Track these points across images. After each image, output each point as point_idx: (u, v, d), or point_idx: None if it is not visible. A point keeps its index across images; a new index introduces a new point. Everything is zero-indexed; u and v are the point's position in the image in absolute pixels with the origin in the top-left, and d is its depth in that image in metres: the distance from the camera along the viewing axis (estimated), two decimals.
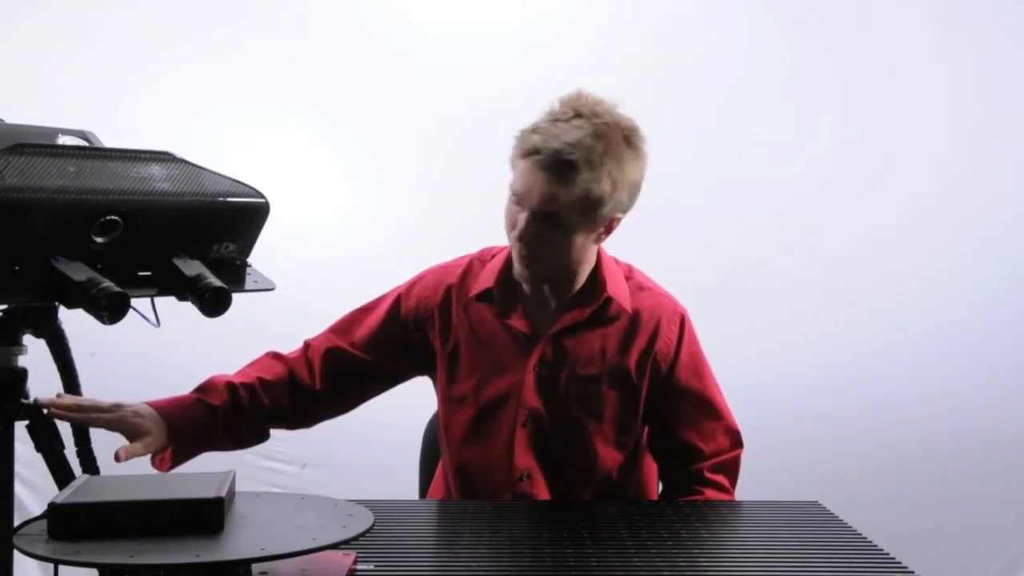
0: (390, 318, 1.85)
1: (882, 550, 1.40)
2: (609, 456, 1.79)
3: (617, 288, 1.78)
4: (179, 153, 1.33)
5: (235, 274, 1.41)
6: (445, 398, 1.84)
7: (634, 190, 1.69)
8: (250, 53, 3.07)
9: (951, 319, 3.10)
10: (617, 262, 1.84)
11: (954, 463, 3.05)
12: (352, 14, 3.11)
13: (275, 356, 1.85)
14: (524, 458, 1.77)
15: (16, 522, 1.25)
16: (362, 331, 1.85)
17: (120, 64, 3.00)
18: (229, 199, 1.37)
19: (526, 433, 1.77)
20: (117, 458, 1.51)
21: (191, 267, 1.29)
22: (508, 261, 1.79)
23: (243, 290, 1.43)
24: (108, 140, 1.40)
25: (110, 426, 1.56)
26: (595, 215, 1.66)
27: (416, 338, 1.84)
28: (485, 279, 1.80)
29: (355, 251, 3.04)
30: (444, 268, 1.87)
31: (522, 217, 1.66)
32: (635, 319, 1.78)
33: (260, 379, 1.79)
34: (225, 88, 3.05)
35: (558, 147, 1.61)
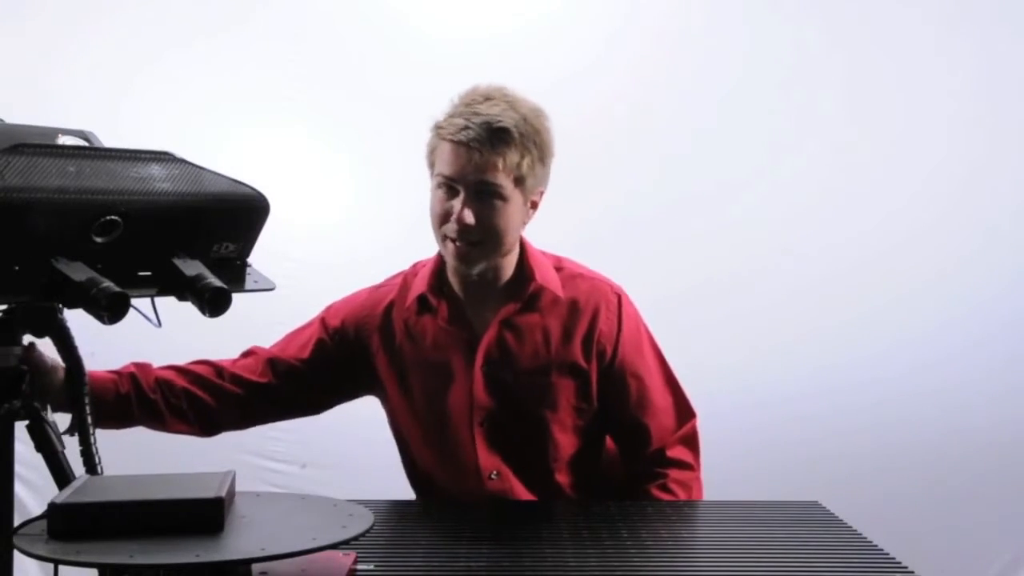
0: (328, 335, 1.86)
1: (882, 550, 1.40)
2: (569, 443, 1.81)
3: (546, 276, 1.80)
4: (179, 153, 1.33)
5: (235, 274, 1.41)
6: (399, 412, 1.85)
7: (550, 164, 1.75)
8: (250, 53, 3.07)
9: (951, 319, 3.10)
10: (544, 254, 1.85)
11: (954, 463, 3.05)
12: (352, 14, 3.11)
13: (205, 361, 1.87)
14: (489, 458, 1.79)
15: (16, 522, 1.25)
16: (302, 345, 1.86)
17: (120, 64, 3.00)
18: (229, 199, 1.37)
19: (484, 432, 1.78)
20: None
21: (191, 267, 1.30)
22: (437, 267, 1.81)
23: (243, 290, 1.43)
24: (108, 140, 1.40)
25: None
26: (525, 184, 1.70)
27: (356, 356, 1.84)
28: (417, 287, 1.81)
29: (355, 251, 3.04)
30: (379, 287, 1.89)
31: (457, 201, 1.68)
32: (573, 306, 1.80)
33: (184, 369, 1.83)
34: (225, 88, 3.05)
35: (486, 119, 1.67)
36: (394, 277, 1.89)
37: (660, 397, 1.84)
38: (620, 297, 1.83)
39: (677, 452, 1.83)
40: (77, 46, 3.02)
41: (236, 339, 2.67)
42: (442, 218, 1.71)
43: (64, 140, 1.34)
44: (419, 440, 1.85)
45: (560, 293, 1.80)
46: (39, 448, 1.43)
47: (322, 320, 1.88)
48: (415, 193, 3.04)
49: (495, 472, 1.79)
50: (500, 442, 1.79)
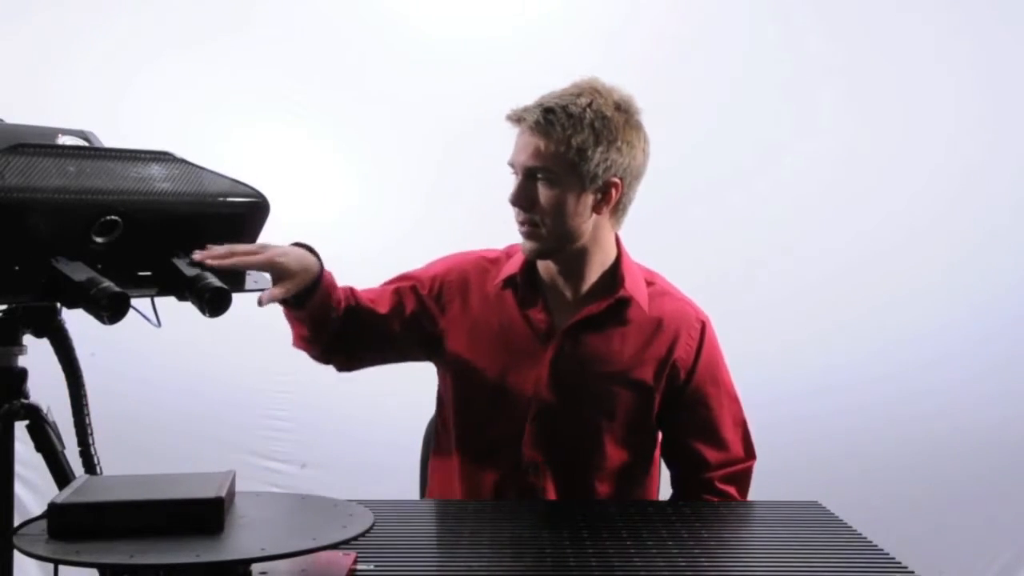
0: (417, 287, 1.84)
1: (882, 550, 1.40)
2: (617, 456, 1.79)
3: (635, 288, 1.79)
4: (179, 153, 1.34)
5: (235, 274, 1.41)
6: (458, 385, 1.83)
7: (628, 152, 1.71)
8: (250, 53, 3.07)
9: (950, 319, 3.10)
10: (639, 266, 1.85)
11: (954, 463, 3.05)
12: (352, 15, 3.12)
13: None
14: (532, 451, 1.78)
15: (16, 522, 1.25)
16: (380, 293, 1.84)
17: (120, 64, 3.01)
18: (229, 199, 1.37)
19: (536, 426, 1.77)
20: (260, 303, 1.48)
21: (191, 267, 1.30)
22: None
23: (243, 290, 1.43)
24: (108, 140, 1.40)
25: (261, 267, 1.48)
26: (581, 169, 1.68)
27: (433, 315, 1.83)
28: (511, 267, 1.82)
29: (355, 251, 3.02)
30: (472, 254, 1.89)
31: (515, 183, 1.71)
32: (656, 323, 1.79)
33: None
34: (225, 88, 3.05)
35: (541, 103, 1.69)
36: (490, 250, 1.89)
37: (726, 430, 1.82)
38: (704, 325, 1.82)
39: (727, 486, 1.81)
40: (77, 46, 3.02)
41: (236, 339, 2.68)
42: (510, 204, 1.74)
43: (64, 140, 1.34)
44: (467, 416, 1.83)
45: (646, 307, 1.79)
46: (39, 448, 1.43)
47: (410, 275, 1.86)
48: (415, 193, 3.08)
49: (534, 466, 1.78)
50: (548, 438, 1.78)
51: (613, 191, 1.72)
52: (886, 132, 3.13)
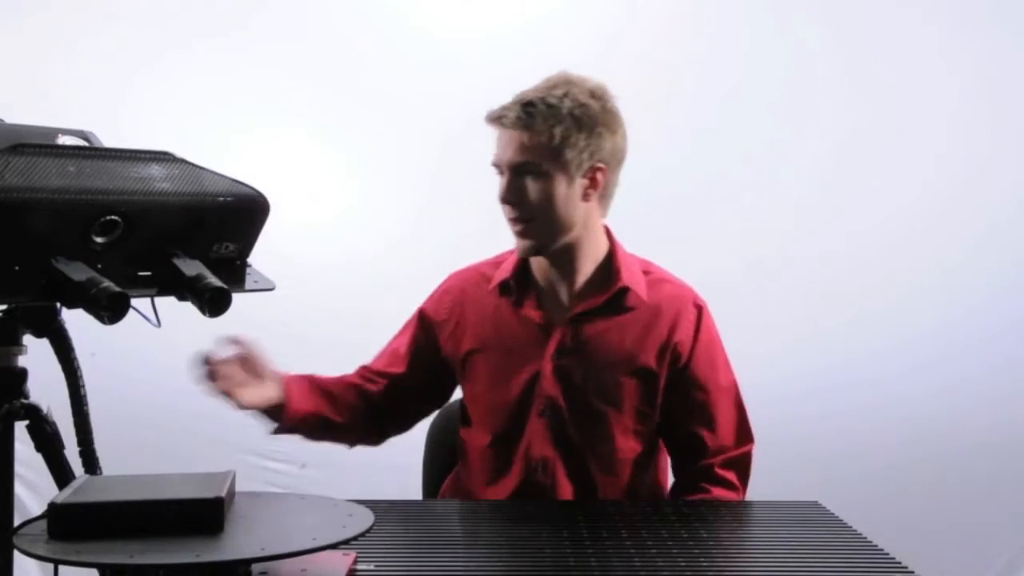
0: (421, 331, 1.90)
1: (882, 550, 1.40)
2: (628, 446, 1.80)
3: (633, 278, 1.80)
4: (179, 153, 1.33)
5: (235, 274, 1.41)
6: (467, 394, 1.88)
7: (609, 137, 1.73)
8: (250, 53, 3.07)
9: (950, 319, 3.10)
10: (633, 256, 1.86)
11: (954, 463, 3.05)
12: (352, 14, 3.12)
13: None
14: (541, 447, 1.79)
15: (16, 522, 1.25)
16: (400, 349, 1.90)
17: (120, 64, 3.00)
18: (229, 199, 1.37)
19: (544, 423, 1.78)
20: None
21: (191, 267, 1.30)
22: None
23: (243, 290, 1.43)
24: (108, 140, 1.40)
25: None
26: (566, 158, 1.69)
27: (443, 335, 1.88)
28: (502, 273, 1.83)
29: (355, 251, 3.04)
30: (462, 272, 1.92)
31: (503, 182, 1.72)
32: (655, 310, 1.80)
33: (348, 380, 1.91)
34: (225, 88, 3.05)
35: (519, 98, 1.71)
36: (480, 263, 1.91)
37: (723, 414, 1.83)
38: (701, 309, 1.84)
39: (726, 472, 1.82)
40: (77, 46, 3.01)
41: None
42: (499, 200, 1.75)
43: (64, 140, 1.34)
44: (479, 419, 1.85)
45: (645, 296, 1.80)
46: (39, 448, 1.43)
47: (421, 309, 1.93)
48: (414, 193, 3.08)
49: (542, 464, 1.78)
50: (557, 435, 1.79)
51: (599, 176, 1.74)
52: (886, 132, 3.13)
